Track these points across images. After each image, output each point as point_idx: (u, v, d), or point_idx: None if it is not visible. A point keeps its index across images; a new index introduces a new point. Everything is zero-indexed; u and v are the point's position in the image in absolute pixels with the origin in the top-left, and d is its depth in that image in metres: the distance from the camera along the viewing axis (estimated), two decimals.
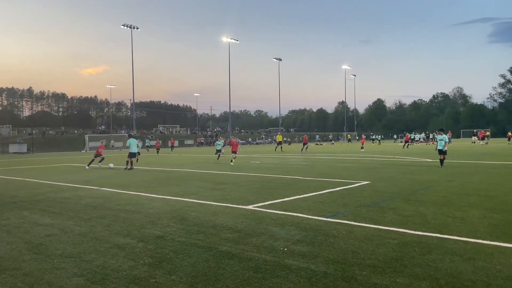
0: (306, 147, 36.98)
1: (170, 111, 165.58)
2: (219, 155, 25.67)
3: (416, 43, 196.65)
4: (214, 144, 53.70)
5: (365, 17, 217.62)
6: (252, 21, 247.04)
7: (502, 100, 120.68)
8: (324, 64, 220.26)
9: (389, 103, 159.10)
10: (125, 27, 69.89)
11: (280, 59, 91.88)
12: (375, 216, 7.26)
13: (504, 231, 6.04)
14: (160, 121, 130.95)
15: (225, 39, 77.41)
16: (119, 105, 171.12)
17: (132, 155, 20.24)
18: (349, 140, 75.35)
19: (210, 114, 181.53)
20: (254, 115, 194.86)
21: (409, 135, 49.00)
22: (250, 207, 8.48)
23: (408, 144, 44.55)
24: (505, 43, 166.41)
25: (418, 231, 6.15)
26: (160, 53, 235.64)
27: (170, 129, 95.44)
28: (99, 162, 21.86)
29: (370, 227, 6.48)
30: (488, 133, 64.54)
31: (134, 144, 20.42)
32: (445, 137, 17.65)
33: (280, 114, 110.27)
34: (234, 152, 22.40)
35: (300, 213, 7.64)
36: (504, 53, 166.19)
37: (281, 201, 9.09)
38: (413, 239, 5.68)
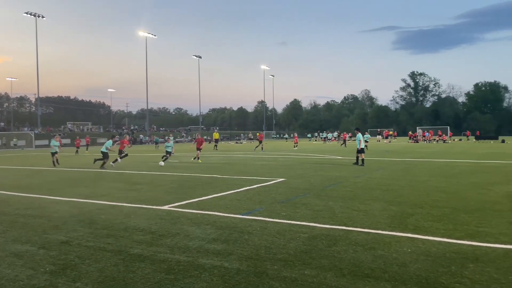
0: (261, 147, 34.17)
1: (81, 107, 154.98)
2: (166, 157, 20.84)
3: (328, 46, 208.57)
4: (154, 143, 50.60)
5: (281, 20, 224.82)
6: (170, 16, 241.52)
7: (403, 103, 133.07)
8: (244, 64, 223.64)
9: (305, 103, 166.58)
10: (29, 15, 63.76)
11: (200, 57, 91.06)
12: (288, 212, 7.54)
13: (401, 221, 6.66)
14: (70, 117, 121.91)
15: (142, 34, 74.55)
16: (22, 100, 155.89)
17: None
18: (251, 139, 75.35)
19: (126, 111, 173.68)
20: (173, 113, 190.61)
21: (346, 133, 52.47)
22: (165, 207, 8.27)
23: (342, 142, 46.50)
24: (407, 50, 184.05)
25: (327, 224, 6.52)
26: (71, 46, 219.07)
27: (81, 127, 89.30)
28: (120, 158, 20.27)
29: (283, 222, 6.72)
30: (391, 132, 70.79)
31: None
32: (360, 135, 18.80)
33: (200, 112, 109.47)
34: (199, 149, 22.26)
35: (217, 212, 7.65)
36: (406, 59, 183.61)
37: (198, 200, 9.01)
38: (321, 232, 6.00)
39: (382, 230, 6.08)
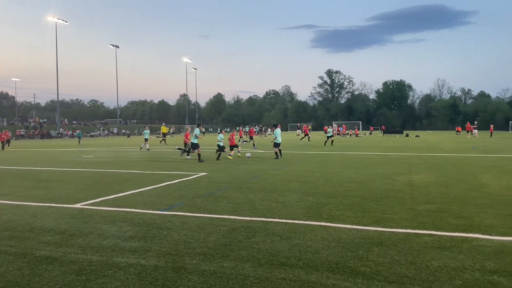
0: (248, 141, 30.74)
1: None
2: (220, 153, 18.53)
3: (250, 42, 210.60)
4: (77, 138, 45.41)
5: (202, 12, 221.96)
6: (84, 2, 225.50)
7: (320, 99, 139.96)
8: (165, 56, 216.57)
9: (228, 97, 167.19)
10: None
11: (117, 46, 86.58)
12: (209, 206, 7.53)
13: (315, 211, 7.02)
14: None
15: (51, 19, 68.69)
16: None
17: None
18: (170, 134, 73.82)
19: (33, 103, 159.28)
20: (88, 105, 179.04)
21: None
22: (77, 205, 7.77)
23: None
24: (324, 48, 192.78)
25: (247, 216, 6.64)
26: None
27: None
28: (187, 154, 18.96)
29: (204, 216, 6.70)
30: (310, 127, 74.01)
31: None
32: (278, 130, 19.34)
33: (118, 105, 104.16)
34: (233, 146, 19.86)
35: (135, 208, 7.38)
36: (323, 57, 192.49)
37: (115, 197, 8.61)
38: (241, 225, 6.10)
39: (299, 220, 6.36)
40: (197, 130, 18.48)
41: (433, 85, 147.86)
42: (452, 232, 5.62)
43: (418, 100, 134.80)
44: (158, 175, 12.55)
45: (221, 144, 18.78)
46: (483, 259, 4.49)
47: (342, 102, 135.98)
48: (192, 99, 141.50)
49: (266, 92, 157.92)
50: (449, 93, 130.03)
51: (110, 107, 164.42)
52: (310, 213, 6.86)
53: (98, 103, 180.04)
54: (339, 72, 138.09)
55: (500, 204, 7.54)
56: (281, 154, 18.19)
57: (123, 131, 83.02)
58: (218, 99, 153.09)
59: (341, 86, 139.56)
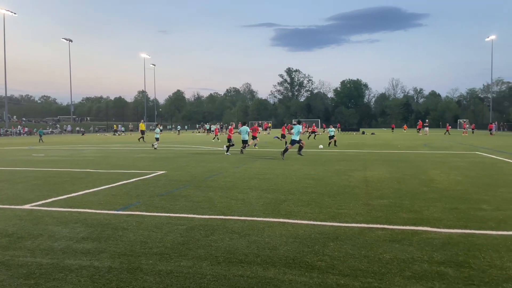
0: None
1: None
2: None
3: (211, 38, 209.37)
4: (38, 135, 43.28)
5: (161, 6, 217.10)
6: None
7: (280, 97, 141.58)
8: (122, 51, 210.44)
9: (188, 94, 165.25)
10: None
11: (70, 40, 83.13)
12: (167, 205, 7.41)
13: (274, 208, 7.09)
14: None
15: None
16: None
17: None
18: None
19: None
20: (39, 102, 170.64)
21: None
22: (26, 206, 7.39)
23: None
24: (284, 47, 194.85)
25: (205, 215, 6.59)
26: None
27: None
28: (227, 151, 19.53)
29: (162, 215, 6.58)
30: (270, 124, 74.58)
31: None
32: (244, 128, 20.69)
33: (72, 101, 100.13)
34: (255, 137, 23.55)
35: (88, 209, 7.12)
36: (283, 55, 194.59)
37: (67, 197, 8.26)
38: (200, 223, 6.05)
39: (257, 217, 6.40)
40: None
41: (388, 85, 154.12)
42: (403, 225, 5.86)
43: (374, 99, 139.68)
44: (114, 174, 12.19)
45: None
46: (431, 250, 4.72)
47: (302, 100, 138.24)
48: (151, 96, 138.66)
49: (227, 90, 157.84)
50: (402, 92, 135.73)
51: (63, 104, 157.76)
52: (269, 210, 6.92)
53: (50, 99, 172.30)
54: (299, 70, 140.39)
55: (448, 198, 7.96)
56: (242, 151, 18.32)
57: (77, 128, 79.88)
58: (177, 96, 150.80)
59: (300, 85, 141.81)
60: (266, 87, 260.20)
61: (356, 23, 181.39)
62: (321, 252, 4.69)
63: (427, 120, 58.12)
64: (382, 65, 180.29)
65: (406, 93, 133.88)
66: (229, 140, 20.70)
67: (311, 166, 13.80)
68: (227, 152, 19.68)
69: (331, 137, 26.02)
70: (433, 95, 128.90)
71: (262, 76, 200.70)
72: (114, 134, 64.28)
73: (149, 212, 6.85)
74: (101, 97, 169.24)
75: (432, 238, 5.21)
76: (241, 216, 6.46)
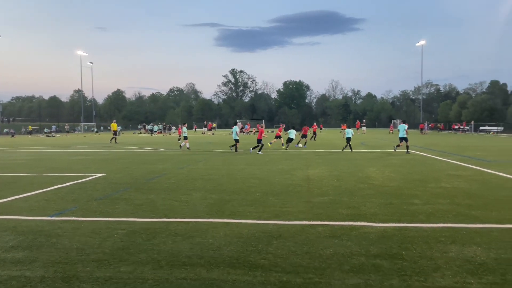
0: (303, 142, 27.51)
1: None
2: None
3: (153, 36, 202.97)
4: None
5: (100, 2, 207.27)
6: None
7: (225, 97, 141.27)
8: (56, 47, 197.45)
9: (129, 94, 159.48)
10: None
11: None
12: (106, 209, 7.11)
13: (218, 208, 7.07)
14: None
15: None
16: None
17: None
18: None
19: None
20: None
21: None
22: None
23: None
24: (228, 47, 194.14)
25: (147, 218, 6.41)
26: None
27: None
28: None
29: (100, 220, 6.30)
30: (214, 125, 74.23)
31: None
32: (236, 127, 21.55)
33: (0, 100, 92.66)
34: (277, 137, 24.63)
35: (18, 215, 6.64)
36: (227, 56, 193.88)
37: None
38: (141, 227, 5.87)
39: (201, 218, 6.34)
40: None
41: (328, 86, 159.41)
42: (342, 221, 6.11)
43: (315, 100, 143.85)
44: (47, 177, 11.45)
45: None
46: (368, 244, 4.96)
47: (246, 100, 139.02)
48: (88, 95, 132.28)
49: (170, 89, 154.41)
50: (341, 93, 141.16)
51: None
52: (213, 211, 6.88)
53: None
54: (243, 71, 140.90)
55: (383, 194, 8.41)
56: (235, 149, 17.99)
57: (6, 130, 74.09)
58: (117, 96, 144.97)
59: (245, 85, 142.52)
60: (210, 87, 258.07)
61: (298, 26, 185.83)
62: (264, 250, 4.75)
63: (364, 120, 61.11)
64: (322, 67, 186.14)
65: (345, 94, 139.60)
66: (259, 141, 21.12)
67: (255, 166, 13.93)
68: (259, 151, 20.41)
69: (348, 138, 21.93)
70: (370, 96, 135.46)
71: (206, 76, 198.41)
72: (48, 136, 60.49)
73: (86, 217, 6.52)
74: (33, 96, 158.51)
75: (369, 233, 5.48)
76: (184, 218, 6.36)
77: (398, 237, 5.28)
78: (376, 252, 4.66)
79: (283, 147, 21.41)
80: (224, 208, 7.11)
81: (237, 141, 21.44)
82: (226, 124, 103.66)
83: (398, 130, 20.73)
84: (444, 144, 27.94)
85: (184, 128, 24.65)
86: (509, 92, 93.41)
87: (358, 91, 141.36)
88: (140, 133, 69.04)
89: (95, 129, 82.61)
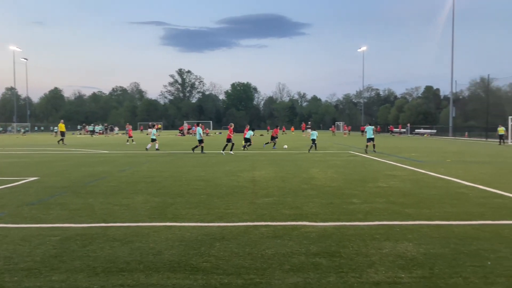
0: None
1: None
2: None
3: (94, 33, 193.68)
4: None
5: None
6: None
7: (171, 97, 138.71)
8: None
9: (68, 93, 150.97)
10: None
11: None
12: (38, 215, 6.68)
13: (161, 212, 6.90)
14: None
15: None
16: None
17: None
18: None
19: None
20: None
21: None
22: None
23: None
24: (175, 47, 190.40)
25: (84, 223, 6.11)
26: None
27: None
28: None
29: (31, 227, 5.91)
30: (160, 126, 72.66)
31: None
32: (199, 129, 21.85)
33: None
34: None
35: None
36: (174, 55, 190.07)
37: None
38: (77, 233, 5.58)
39: (142, 222, 6.15)
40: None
41: (275, 88, 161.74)
42: (285, 221, 6.21)
43: (262, 102, 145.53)
44: None
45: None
46: (308, 243, 5.08)
47: (194, 101, 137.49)
48: (22, 93, 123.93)
49: (113, 89, 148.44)
50: (288, 96, 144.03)
51: None
52: (155, 214, 6.70)
53: None
54: (190, 71, 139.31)
55: (325, 194, 8.68)
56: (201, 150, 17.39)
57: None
58: (55, 94, 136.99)
59: (192, 86, 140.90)
60: (156, 87, 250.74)
61: (245, 28, 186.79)
62: (207, 253, 4.71)
63: (309, 122, 62.81)
64: (270, 70, 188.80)
65: (291, 97, 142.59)
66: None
67: (201, 168, 13.80)
68: (230, 150, 20.68)
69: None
70: (315, 99, 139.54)
71: (152, 75, 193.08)
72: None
73: (16, 223, 6.09)
74: None
75: (310, 232, 5.62)
76: (124, 223, 6.14)
77: (337, 235, 5.46)
78: (316, 251, 4.78)
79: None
80: (166, 211, 6.96)
81: (201, 141, 21.27)
82: (172, 125, 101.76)
83: (366, 132, 22.45)
84: (382, 145, 29.42)
85: (154, 130, 24.13)
86: (442, 97, 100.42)
87: (304, 94, 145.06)
88: (80, 134, 65.73)
89: (22, 129, 77.05)
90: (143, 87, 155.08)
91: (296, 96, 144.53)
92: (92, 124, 70.41)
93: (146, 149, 22.80)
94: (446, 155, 19.92)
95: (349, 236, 5.44)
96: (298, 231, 5.65)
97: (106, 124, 69.03)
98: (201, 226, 5.96)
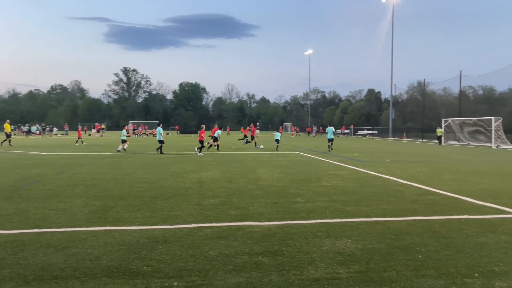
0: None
1: None
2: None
3: (30, 28, 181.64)
4: None
5: None
6: None
7: (116, 97, 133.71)
8: None
9: (1, 90, 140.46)
10: None
11: None
12: None
13: (101, 216, 6.62)
14: None
15: None
16: None
17: None
18: None
19: None
20: None
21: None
22: None
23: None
24: (120, 45, 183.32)
25: (15, 229, 5.72)
26: None
27: None
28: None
29: None
30: (103, 126, 69.82)
31: None
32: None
33: None
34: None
35: None
36: (118, 53, 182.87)
37: None
38: (6, 239, 5.21)
39: (80, 227, 5.87)
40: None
41: (224, 89, 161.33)
42: (230, 222, 6.21)
43: (211, 102, 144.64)
44: None
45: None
46: (252, 243, 5.12)
47: (140, 101, 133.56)
48: None
49: (52, 87, 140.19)
50: (237, 97, 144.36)
51: None
52: (94, 218, 6.42)
53: None
54: (136, 70, 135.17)
55: (270, 194, 8.79)
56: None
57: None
58: None
59: (138, 85, 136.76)
60: (99, 86, 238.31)
61: (194, 28, 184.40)
62: (148, 256, 4.59)
63: (258, 124, 63.30)
64: (219, 70, 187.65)
65: (240, 98, 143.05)
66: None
67: (146, 170, 13.44)
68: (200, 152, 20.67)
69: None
70: (263, 100, 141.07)
71: (95, 74, 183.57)
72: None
73: None
74: None
75: (254, 232, 5.67)
76: (60, 228, 5.82)
77: (280, 234, 5.55)
78: (259, 250, 4.83)
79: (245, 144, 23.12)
80: (107, 215, 6.69)
81: (161, 142, 21.24)
82: (117, 126, 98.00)
83: (327, 133, 24.80)
84: (327, 146, 30.38)
85: (124, 131, 23.05)
86: (383, 100, 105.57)
87: (253, 95, 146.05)
88: (14, 134, 61.42)
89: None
90: (85, 85, 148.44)
91: (245, 97, 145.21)
92: (27, 124, 65.99)
93: (118, 151, 21.87)
94: (385, 155, 20.97)
95: (292, 234, 5.55)
96: (243, 231, 5.68)
97: (43, 124, 65.01)
98: (143, 229, 5.79)
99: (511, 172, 13.53)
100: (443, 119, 39.92)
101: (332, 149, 23.69)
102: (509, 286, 3.81)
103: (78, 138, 32.09)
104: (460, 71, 42.69)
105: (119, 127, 72.63)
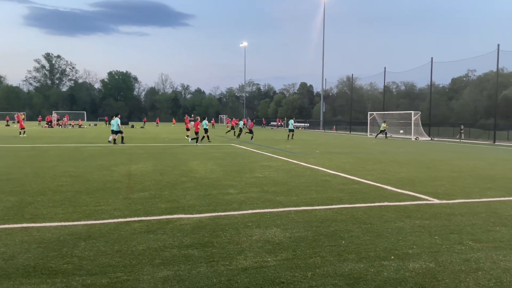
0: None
1: None
2: None
3: None
4: None
5: None
6: None
7: (37, 85, 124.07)
8: None
9: None
10: None
11: None
12: None
13: (17, 212, 6.13)
14: None
15: None
16: None
17: None
18: None
19: None
20: None
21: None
22: None
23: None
24: (41, 29, 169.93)
25: None
26: None
27: None
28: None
29: None
30: (23, 116, 64.46)
31: None
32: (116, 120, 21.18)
33: None
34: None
35: None
36: (40, 38, 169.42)
37: None
38: None
39: None
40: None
41: (158, 79, 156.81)
42: (160, 215, 6.07)
43: (144, 93, 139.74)
44: None
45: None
46: (182, 236, 5.05)
47: (64, 90, 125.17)
48: None
49: None
50: (171, 87, 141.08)
51: None
52: (9, 215, 5.92)
53: None
54: (60, 57, 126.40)
55: (203, 186, 8.73)
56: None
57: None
58: None
59: (62, 73, 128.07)
60: (18, 73, 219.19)
61: (125, 14, 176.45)
62: (69, 254, 4.33)
63: (192, 115, 62.43)
64: (151, 59, 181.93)
65: (174, 89, 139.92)
66: (196, 133, 21.75)
67: (70, 163, 12.66)
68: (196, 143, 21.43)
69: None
70: (199, 92, 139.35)
71: (12, 59, 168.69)
72: None
73: None
74: None
75: (185, 224, 5.60)
76: None
77: (211, 226, 5.54)
78: (189, 243, 4.78)
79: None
80: (24, 211, 6.20)
81: (119, 132, 20.83)
82: (38, 115, 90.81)
83: (289, 124, 31.30)
84: (262, 138, 30.88)
85: (118, 120, 21.24)
86: (315, 94, 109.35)
87: (188, 86, 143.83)
88: None
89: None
90: (2, 72, 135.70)
91: (180, 88, 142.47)
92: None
93: (109, 141, 20.83)
94: (316, 147, 21.81)
95: (223, 225, 5.56)
96: (173, 224, 5.58)
97: None
98: (64, 225, 5.46)
99: (426, 162, 14.76)
100: (369, 112, 42.42)
101: (293, 138, 29.68)
102: (421, 267, 4.15)
103: (21, 129, 29.87)
104: (385, 68, 45.67)
105: (42, 117, 67.31)
